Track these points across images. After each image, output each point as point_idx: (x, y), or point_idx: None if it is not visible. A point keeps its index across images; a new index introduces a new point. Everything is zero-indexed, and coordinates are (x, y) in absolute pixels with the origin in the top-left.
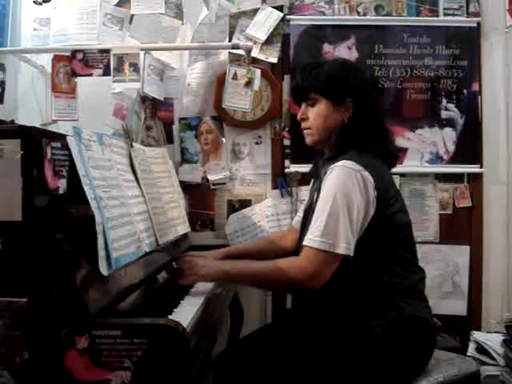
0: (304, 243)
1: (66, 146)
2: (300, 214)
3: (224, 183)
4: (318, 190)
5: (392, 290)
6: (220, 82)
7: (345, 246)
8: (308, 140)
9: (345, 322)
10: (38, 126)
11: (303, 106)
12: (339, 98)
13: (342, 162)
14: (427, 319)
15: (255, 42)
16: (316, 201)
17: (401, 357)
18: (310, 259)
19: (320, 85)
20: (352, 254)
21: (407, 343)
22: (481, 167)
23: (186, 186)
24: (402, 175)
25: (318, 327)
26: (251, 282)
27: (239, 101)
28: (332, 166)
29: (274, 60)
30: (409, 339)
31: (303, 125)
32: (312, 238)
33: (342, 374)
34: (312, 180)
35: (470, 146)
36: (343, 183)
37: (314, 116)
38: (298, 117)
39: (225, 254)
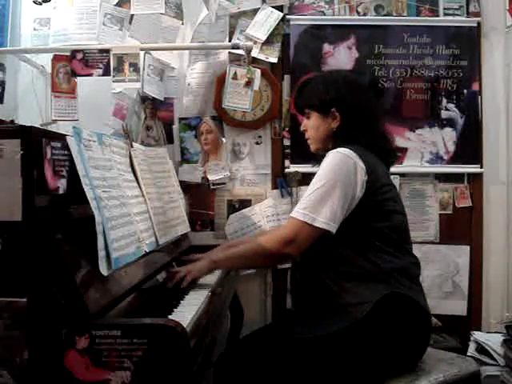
0: (290, 214)
1: (66, 146)
2: None
3: (224, 183)
4: None
5: (383, 266)
6: (220, 82)
7: (324, 221)
8: (311, 148)
9: (337, 303)
10: (37, 126)
11: (304, 119)
12: (324, 110)
13: (336, 149)
14: (418, 301)
15: (255, 42)
16: None
17: (393, 337)
18: (290, 228)
19: (307, 101)
20: (333, 230)
21: (398, 323)
22: (481, 167)
23: (186, 186)
24: (402, 175)
25: (316, 324)
26: (240, 260)
27: (239, 101)
28: (327, 153)
29: (274, 60)
30: (400, 319)
31: (305, 136)
32: (296, 210)
33: (343, 371)
34: None
35: (470, 146)
36: (333, 165)
37: (310, 128)
38: (301, 129)
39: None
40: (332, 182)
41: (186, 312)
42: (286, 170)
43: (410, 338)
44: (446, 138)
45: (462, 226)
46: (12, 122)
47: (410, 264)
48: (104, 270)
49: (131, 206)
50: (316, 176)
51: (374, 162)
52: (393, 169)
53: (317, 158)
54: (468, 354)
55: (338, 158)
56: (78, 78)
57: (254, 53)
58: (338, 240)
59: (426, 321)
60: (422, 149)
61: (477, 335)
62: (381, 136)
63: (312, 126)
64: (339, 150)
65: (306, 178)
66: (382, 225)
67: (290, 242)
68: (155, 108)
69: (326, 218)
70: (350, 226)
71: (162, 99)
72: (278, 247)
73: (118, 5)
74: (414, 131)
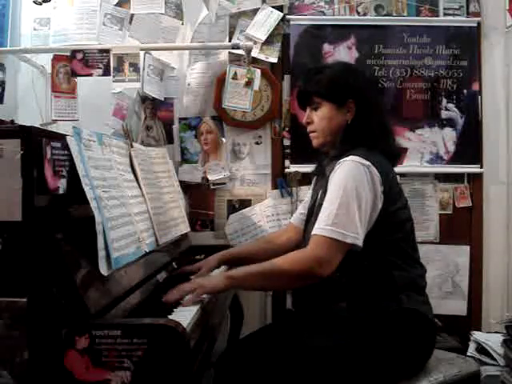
0: (314, 232)
1: (66, 146)
2: (300, 211)
3: (224, 183)
4: (323, 188)
5: (394, 283)
6: (220, 82)
7: (354, 235)
8: (315, 143)
9: (344, 316)
10: (37, 126)
11: (308, 110)
12: (341, 101)
13: (350, 157)
14: (427, 314)
15: (255, 42)
16: (321, 198)
17: (401, 351)
18: (321, 247)
19: (322, 89)
20: (361, 244)
21: (407, 338)
22: (481, 167)
23: (186, 186)
24: (402, 175)
25: (317, 325)
26: (261, 281)
27: (239, 101)
28: (341, 160)
29: (274, 60)
30: (408, 333)
31: (309, 128)
32: (322, 227)
33: (343, 372)
34: (315, 178)
35: (469, 146)
36: (352, 176)
37: (319, 119)
38: (304, 121)
39: (221, 258)
40: (354, 192)
41: (186, 312)
42: (286, 170)
43: (415, 351)
44: (445, 138)
45: (462, 226)
46: (12, 122)
47: (418, 276)
48: (104, 270)
49: (131, 205)
50: (333, 188)
51: (386, 169)
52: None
53: (318, 158)
54: (468, 353)
55: (355, 168)
56: (78, 77)
57: (254, 53)
58: (349, 254)
59: (432, 333)
60: (422, 149)
61: (477, 335)
62: (391, 135)
63: (323, 117)
64: (353, 158)
65: (306, 178)
66: (393, 237)
67: (324, 263)
68: (155, 108)
69: (356, 233)
70: (364, 239)
71: (162, 99)
72: (311, 268)
73: (117, 5)
74: (413, 131)
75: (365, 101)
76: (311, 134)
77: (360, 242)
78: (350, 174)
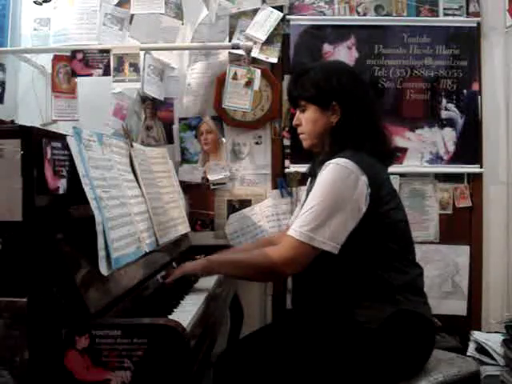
0: (287, 233)
1: (66, 146)
2: (297, 213)
3: (224, 183)
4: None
5: (391, 284)
6: (220, 82)
7: (323, 240)
8: (304, 144)
9: (343, 319)
10: (38, 126)
11: (296, 112)
12: (325, 103)
13: (335, 159)
14: (426, 315)
15: (255, 42)
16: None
17: (400, 353)
18: (288, 248)
19: (305, 92)
20: (334, 250)
21: (405, 339)
22: (481, 167)
23: (186, 186)
24: (402, 175)
25: (317, 326)
26: (233, 268)
27: (239, 101)
28: (326, 163)
29: (274, 60)
30: (407, 335)
31: (298, 130)
32: (294, 229)
33: (342, 373)
34: (309, 180)
35: (470, 146)
36: (334, 179)
37: (305, 122)
38: (293, 123)
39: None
40: (332, 198)
41: (186, 312)
42: (286, 170)
43: (414, 352)
44: (445, 138)
45: (462, 226)
46: (12, 122)
47: (416, 277)
48: (104, 270)
49: (131, 205)
50: (314, 191)
51: (374, 170)
52: (393, 169)
53: (313, 159)
54: (468, 353)
55: (338, 172)
56: (78, 77)
57: (254, 53)
58: (344, 256)
59: (431, 334)
60: (421, 149)
61: (477, 335)
62: (381, 135)
63: (308, 119)
64: (338, 161)
65: (306, 178)
66: (386, 239)
67: (289, 262)
68: (155, 108)
69: (325, 238)
70: (355, 242)
71: (162, 99)
72: (275, 265)
73: (118, 5)
74: (413, 131)
75: (350, 102)
76: (300, 136)
77: (331, 248)
78: (331, 178)
